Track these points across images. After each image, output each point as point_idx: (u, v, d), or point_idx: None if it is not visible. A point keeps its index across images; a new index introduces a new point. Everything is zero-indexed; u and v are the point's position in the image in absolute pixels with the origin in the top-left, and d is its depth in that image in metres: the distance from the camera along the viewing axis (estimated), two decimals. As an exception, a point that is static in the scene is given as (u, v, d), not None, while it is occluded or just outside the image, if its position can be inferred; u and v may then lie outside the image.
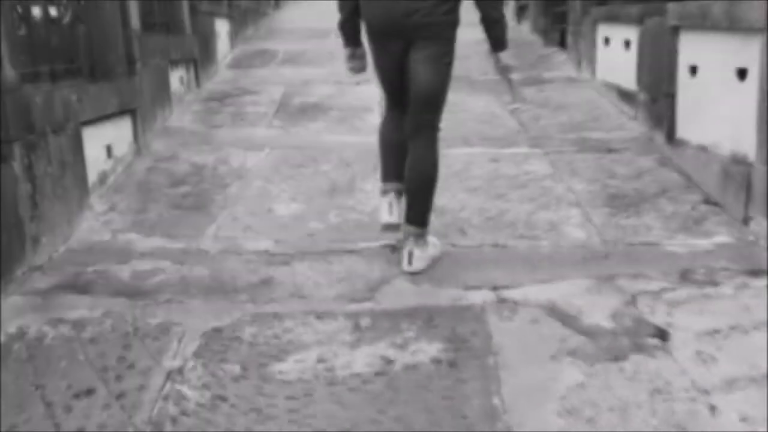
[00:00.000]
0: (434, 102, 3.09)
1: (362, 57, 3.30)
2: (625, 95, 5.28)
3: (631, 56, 5.07)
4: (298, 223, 3.64)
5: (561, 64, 7.02)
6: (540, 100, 5.74)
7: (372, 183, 4.15)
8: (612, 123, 5.15)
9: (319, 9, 11.96)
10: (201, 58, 6.39)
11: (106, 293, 2.93)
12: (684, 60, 4.16)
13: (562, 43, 7.57)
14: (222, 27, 7.58)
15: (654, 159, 4.37)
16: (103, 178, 3.98)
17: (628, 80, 5.15)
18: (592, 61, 6.11)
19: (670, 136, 4.34)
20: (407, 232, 3.10)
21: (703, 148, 3.90)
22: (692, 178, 3.97)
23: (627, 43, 5.20)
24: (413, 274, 3.06)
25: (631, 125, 5.03)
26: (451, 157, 4.35)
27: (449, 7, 2.97)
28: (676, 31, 4.21)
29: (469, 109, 5.56)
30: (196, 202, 3.90)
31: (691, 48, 4.09)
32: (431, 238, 3.21)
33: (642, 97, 4.88)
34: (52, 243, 3.26)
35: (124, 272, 3.13)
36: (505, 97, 5.89)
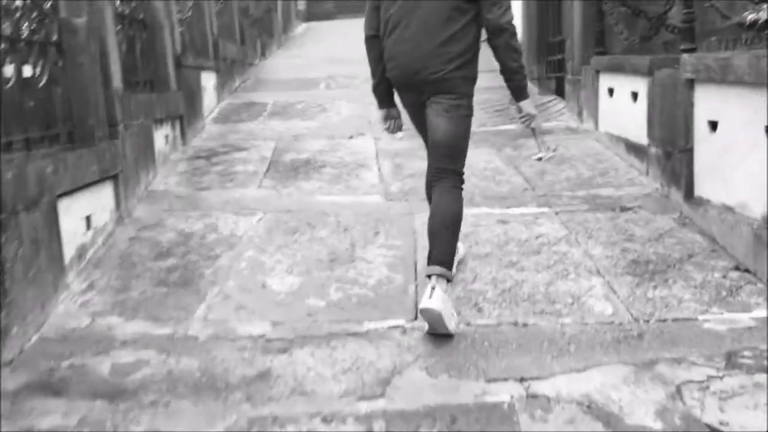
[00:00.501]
0: (452, 152, 3.13)
1: (397, 117, 3.37)
2: (633, 148, 5.03)
3: (640, 108, 4.83)
4: (295, 301, 3.33)
5: (559, 113, 6.81)
6: (542, 152, 5.48)
7: (373, 251, 3.86)
8: (622, 178, 4.89)
9: (306, 56, 11.79)
10: (187, 114, 6.11)
11: (82, 394, 2.59)
12: (701, 114, 3.93)
13: (558, 92, 7.37)
14: (208, 80, 7.32)
15: (672, 219, 4.10)
16: (81, 252, 3.65)
17: (637, 133, 4.91)
18: (594, 112, 5.89)
19: (689, 193, 4.08)
20: (430, 271, 2.95)
21: (728, 209, 3.64)
22: (718, 241, 3.69)
23: (634, 95, 4.96)
24: (431, 315, 2.84)
25: (643, 180, 4.77)
26: (456, 219, 4.07)
27: (463, 61, 3.00)
28: (691, 84, 3.98)
29: (470, 164, 5.23)
30: (183, 277, 3.58)
31: (709, 102, 3.86)
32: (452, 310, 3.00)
33: (654, 151, 4.63)
34: (23, 333, 2.93)
35: (103, 366, 2.79)
36: (507, 149, 5.67)
